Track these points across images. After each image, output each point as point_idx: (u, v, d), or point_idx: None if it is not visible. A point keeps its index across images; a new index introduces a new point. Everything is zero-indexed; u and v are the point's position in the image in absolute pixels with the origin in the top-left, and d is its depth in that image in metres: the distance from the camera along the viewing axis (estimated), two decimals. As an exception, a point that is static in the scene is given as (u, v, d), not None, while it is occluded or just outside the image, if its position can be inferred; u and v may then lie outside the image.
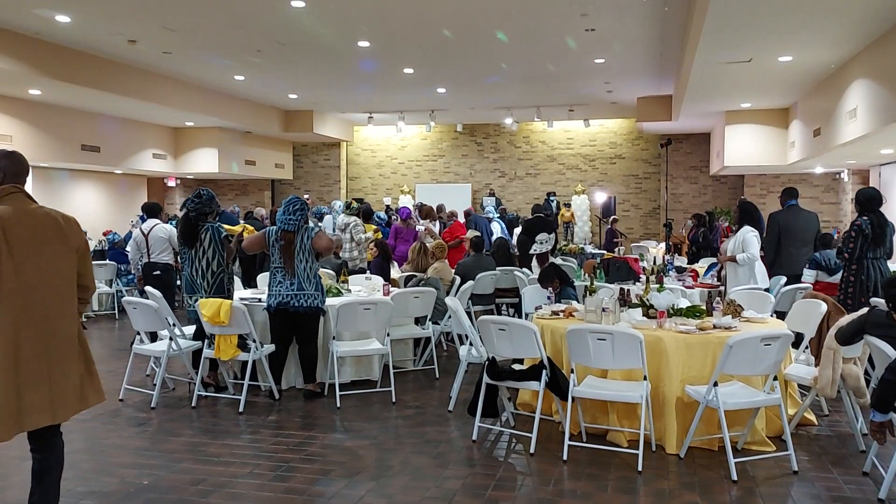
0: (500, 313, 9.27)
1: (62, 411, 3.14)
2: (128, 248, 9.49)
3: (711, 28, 7.26)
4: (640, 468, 4.37)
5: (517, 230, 13.00)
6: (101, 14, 8.79)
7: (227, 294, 6.14)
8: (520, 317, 7.49)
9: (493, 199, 17.28)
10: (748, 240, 7.08)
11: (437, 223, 10.88)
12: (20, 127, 11.78)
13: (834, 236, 9.40)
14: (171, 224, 8.91)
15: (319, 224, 11.28)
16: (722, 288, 7.46)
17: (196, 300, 6.03)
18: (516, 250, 11.08)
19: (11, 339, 3.00)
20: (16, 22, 9.03)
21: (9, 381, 2.98)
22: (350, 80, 12.84)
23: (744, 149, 13.69)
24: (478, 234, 10.68)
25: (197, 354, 6.13)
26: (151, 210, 8.40)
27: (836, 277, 7.04)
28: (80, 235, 3.30)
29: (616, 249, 11.87)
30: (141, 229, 8.16)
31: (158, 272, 7.82)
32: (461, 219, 12.77)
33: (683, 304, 5.44)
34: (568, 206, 17.46)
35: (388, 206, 15.64)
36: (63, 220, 3.24)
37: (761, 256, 7.33)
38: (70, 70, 10.42)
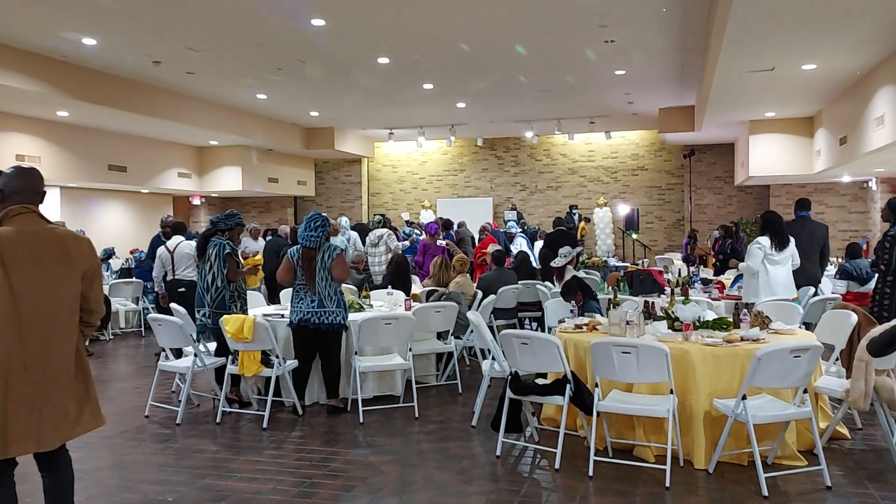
0: (522, 327, 9.21)
1: (49, 439, 3.01)
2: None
3: (733, 37, 7.20)
4: (667, 484, 4.29)
5: (538, 244, 12.96)
6: (127, 36, 8.95)
7: (230, 310, 6.11)
8: (543, 330, 7.43)
9: (515, 212, 17.24)
10: (750, 251, 7.01)
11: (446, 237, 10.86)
12: (49, 148, 12.00)
13: (863, 246, 9.23)
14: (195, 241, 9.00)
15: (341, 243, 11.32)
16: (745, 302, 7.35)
17: (204, 314, 6.09)
18: (538, 263, 11.03)
19: (4, 362, 2.90)
20: (44, 45, 9.23)
21: None
22: (370, 96, 12.92)
23: (768, 158, 13.54)
24: (499, 247, 10.64)
25: (221, 370, 6.15)
26: (177, 228, 8.50)
27: (868, 287, 6.90)
28: (89, 258, 3.17)
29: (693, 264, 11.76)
30: (167, 246, 8.23)
31: (183, 289, 7.88)
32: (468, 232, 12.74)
33: (709, 316, 5.36)
34: (587, 220, 17.35)
35: (407, 221, 15.67)
36: (73, 241, 3.12)
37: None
38: (97, 91, 10.61)
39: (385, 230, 10.12)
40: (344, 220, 11.20)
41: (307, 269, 5.96)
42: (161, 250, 8.29)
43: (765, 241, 6.81)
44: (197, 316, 6.23)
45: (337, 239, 11.25)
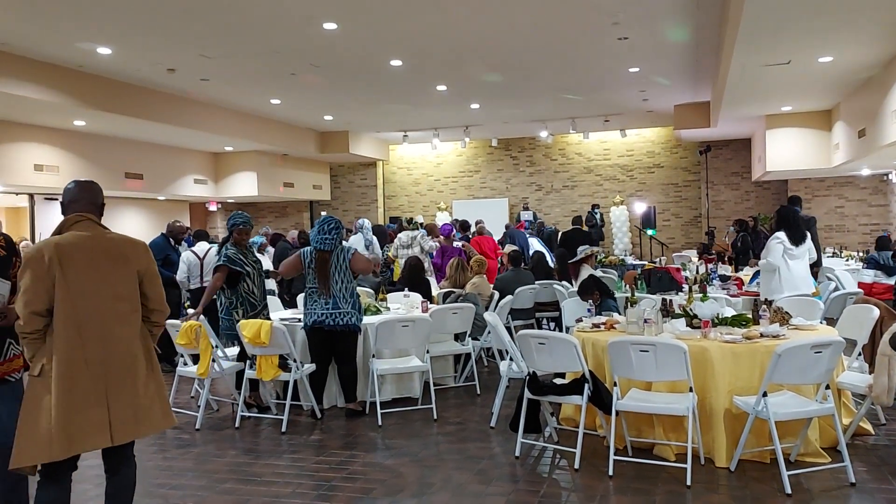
0: (540, 327, 9.17)
1: (119, 434, 3.16)
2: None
3: (747, 30, 7.14)
4: (688, 482, 4.25)
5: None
6: (141, 45, 9.03)
7: (229, 319, 6.13)
8: (560, 330, 7.40)
9: (530, 212, 17.19)
10: (769, 247, 6.93)
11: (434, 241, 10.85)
12: (66, 157, 12.14)
13: (887, 237, 9.15)
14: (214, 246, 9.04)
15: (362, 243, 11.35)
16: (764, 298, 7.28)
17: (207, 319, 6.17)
18: (555, 263, 10.99)
19: (65, 360, 3.06)
20: (60, 56, 9.34)
21: (62, 402, 3.03)
22: (384, 99, 12.95)
23: (786, 153, 13.40)
24: (516, 248, 10.61)
25: (240, 375, 6.18)
26: (199, 234, 8.56)
27: (894, 279, 6.82)
28: (145, 259, 3.36)
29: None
30: (195, 252, 8.21)
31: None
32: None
33: (728, 313, 5.31)
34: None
35: (420, 224, 15.70)
36: (128, 244, 3.33)
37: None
38: (112, 100, 10.71)
39: (419, 231, 10.21)
40: (366, 223, 11.26)
41: (321, 273, 5.96)
42: (189, 255, 8.23)
43: (783, 235, 6.73)
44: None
45: (357, 238, 11.29)
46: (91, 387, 3.11)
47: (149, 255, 3.40)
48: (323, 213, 6.51)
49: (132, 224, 15.56)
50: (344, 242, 6.42)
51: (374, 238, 11.15)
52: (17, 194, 13.03)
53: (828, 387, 4.37)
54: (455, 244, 10.94)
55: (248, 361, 6.03)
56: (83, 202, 3.31)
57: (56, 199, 13.16)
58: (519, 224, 14.62)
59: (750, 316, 5.20)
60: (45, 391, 3.06)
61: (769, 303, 5.37)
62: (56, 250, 3.11)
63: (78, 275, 3.13)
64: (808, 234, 6.86)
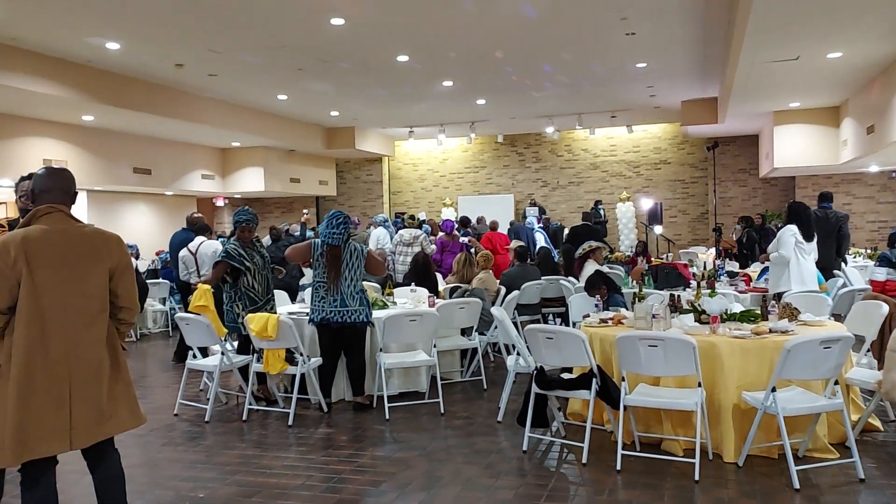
0: (546, 323, 9.17)
1: (80, 438, 3.00)
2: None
3: (756, 26, 7.11)
4: (696, 477, 4.25)
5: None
6: (150, 40, 9.05)
7: (231, 312, 6.21)
8: (567, 326, 7.40)
9: (536, 208, 17.19)
10: (782, 240, 6.92)
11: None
12: (75, 152, 12.18)
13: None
14: (220, 241, 9.05)
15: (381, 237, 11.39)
16: (773, 294, 7.27)
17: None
18: (561, 259, 10.99)
19: (25, 363, 2.91)
20: (69, 51, 9.36)
21: (18, 407, 2.89)
22: (390, 94, 12.95)
23: (794, 149, 13.36)
24: (521, 243, 10.62)
25: (244, 369, 6.21)
26: (199, 228, 8.52)
27: None
28: (118, 254, 3.18)
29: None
30: (189, 248, 8.27)
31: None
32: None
33: (737, 308, 5.30)
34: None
35: (422, 222, 15.73)
36: (100, 239, 3.14)
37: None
38: (121, 95, 10.74)
39: (422, 231, 10.23)
40: (383, 217, 11.32)
41: (332, 268, 5.97)
42: (184, 252, 8.29)
43: (795, 228, 6.75)
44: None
45: (380, 231, 11.30)
46: (52, 389, 2.94)
47: (121, 249, 3.21)
48: (333, 209, 6.50)
49: (141, 219, 15.60)
50: (376, 232, 6.41)
51: (382, 231, 11.19)
52: (25, 189, 13.06)
53: (836, 383, 4.37)
54: (462, 240, 10.96)
55: (255, 355, 6.07)
56: (56, 192, 3.10)
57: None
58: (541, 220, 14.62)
59: (759, 312, 5.20)
60: (2, 392, 2.91)
61: (778, 298, 5.36)
62: (23, 245, 2.93)
63: (45, 271, 2.95)
64: (817, 234, 6.90)
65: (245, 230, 6.27)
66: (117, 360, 3.18)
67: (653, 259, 11.39)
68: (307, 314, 6.42)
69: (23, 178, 3.60)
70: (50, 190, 3.10)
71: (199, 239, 8.32)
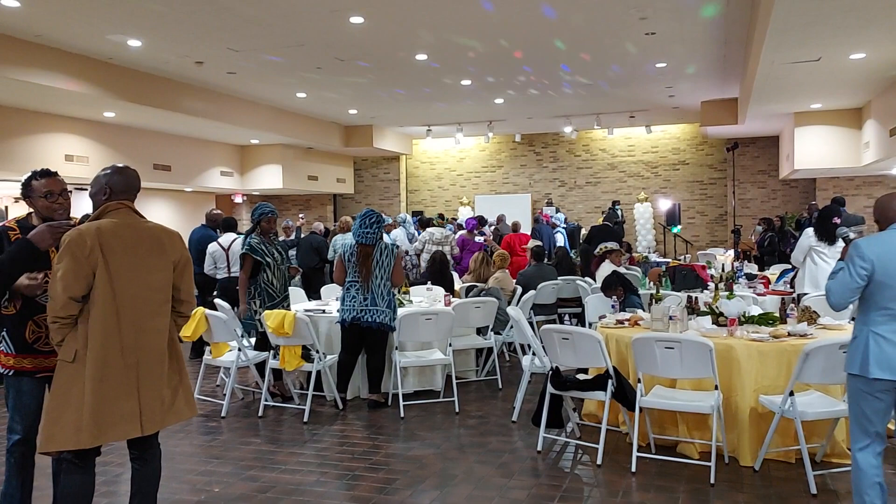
0: (562, 323, 9.15)
1: (149, 424, 3.15)
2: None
3: (777, 26, 7.04)
4: (712, 481, 4.23)
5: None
6: (170, 38, 9.13)
7: (249, 308, 6.21)
8: (583, 326, 7.37)
9: (553, 208, 17.14)
10: (798, 242, 6.92)
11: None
12: (96, 148, 12.31)
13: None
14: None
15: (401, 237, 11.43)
16: (795, 294, 7.21)
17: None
18: (578, 259, 10.96)
19: (101, 347, 3.04)
20: (91, 48, 9.46)
21: (96, 390, 3.02)
22: (409, 93, 12.97)
23: (815, 151, 13.20)
24: (539, 243, 10.60)
25: (261, 365, 6.24)
26: (227, 224, 8.57)
27: None
28: (180, 250, 3.33)
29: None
30: (220, 243, 8.29)
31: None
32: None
33: (755, 311, 5.26)
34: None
35: (450, 220, 15.76)
36: (165, 234, 3.29)
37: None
38: (142, 92, 10.84)
39: (450, 232, 10.34)
40: (407, 217, 11.37)
41: (363, 266, 5.98)
42: (214, 247, 8.29)
43: (811, 231, 6.70)
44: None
45: (399, 231, 11.35)
46: (124, 376, 3.09)
47: (184, 246, 3.37)
48: (366, 208, 6.51)
49: (160, 215, 15.75)
50: (387, 238, 6.44)
51: (401, 231, 11.23)
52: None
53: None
54: (477, 239, 10.97)
55: (271, 351, 6.10)
56: (131, 192, 3.27)
57: (85, 189, 13.33)
58: (544, 216, 14.61)
59: (777, 315, 5.15)
60: (78, 377, 3.03)
61: (797, 301, 5.31)
62: (98, 236, 3.06)
63: (118, 262, 3.10)
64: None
65: (271, 222, 6.32)
66: (176, 351, 3.33)
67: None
68: (323, 311, 6.46)
69: (36, 176, 3.47)
70: (126, 190, 3.26)
71: (230, 235, 8.33)
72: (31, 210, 3.49)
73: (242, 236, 6.59)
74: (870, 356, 3.24)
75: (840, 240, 6.73)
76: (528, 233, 13.08)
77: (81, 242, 3.02)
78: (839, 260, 3.46)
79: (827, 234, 6.65)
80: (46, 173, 3.47)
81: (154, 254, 3.22)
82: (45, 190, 3.42)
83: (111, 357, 3.07)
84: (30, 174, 3.48)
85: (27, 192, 3.46)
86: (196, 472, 4.63)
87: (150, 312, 3.19)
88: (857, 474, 3.33)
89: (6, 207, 12.75)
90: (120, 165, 3.34)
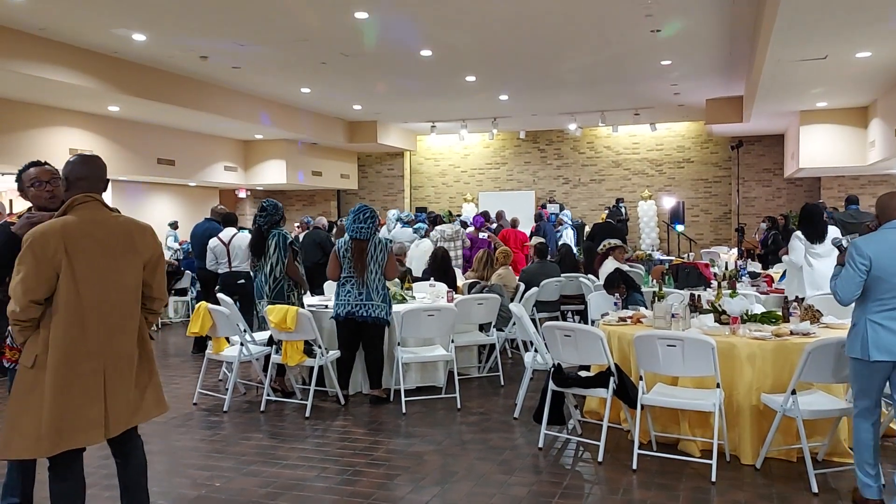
0: (564, 320, 9.14)
1: (115, 426, 3.02)
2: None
3: (784, 24, 7.02)
4: (713, 478, 4.22)
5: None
6: (175, 32, 9.13)
7: (288, 300, 6.20)
8: (585, 323, 7.37)
9: (557, 205, 17.11)
10: (791, 245, 6.86)
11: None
12: (100, 142, 12.32)
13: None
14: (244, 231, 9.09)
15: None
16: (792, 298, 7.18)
17: (263, 306, 6.17)
18: (581, 256, 10.95)
19: (63, 354, 2.89)
20: (96, 42, 9.47)
21: (56, 399, 2.88)
22: (413, 89, 12.95)
23: (820, 150, 13.17)
24: (542, 240, 10.59)
25: (268, 359, 6.25)
26: (228, 219, 8.57)
27: None
28: (152, 246, 3.17)
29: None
30: (220, 238, 8.30)
31: (243, 280, 7.92)
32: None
33: (758, 310, 5.24)
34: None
35: (458, 218, 15.76)
36: (136, 230, 3.12)
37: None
38: (146, 87, 10.85)
39: (459, 227, 10.36)
40: (393, 213, 11.34)
41: (358, 261, 5.99)
42: (214, 242, 8.28)
43: (801, 234, 6.67)
44: (258, 307, 6.34)
45: (385, 230, 11.37)
46: (90, 381, 2.94)
47: (156, 242, 3.21)
48: (359, 203, 6.53)
49: (163, 209, 15.76)
50: (381, 233, 6.43)
51: (403, 229, 11.21)
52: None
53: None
54: (481, 235, 10.97)
55: (273, 346, 6.11)
56: (92, 180, 3.07)
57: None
58: (545, 213, 14.61)
59: (780, 313, 5.14)
60: (38, 383, 2.88)
61: (800, 301, 5.29)
62: (63, 236, 2.88)
63: (85, 263, 2.92)
64: (831, 233, 6.77)
65: (284, 220, 6.43)
66: (145, 350, 3.18)
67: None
68: (326, 307, 6.46)
69: (26, 167, 3.48)
70: (87, 178, 3.06)
71: (230, 230, 8.34)
72: (31, 204, 3.51)
73: (255, 235, 6.46)
74: (868, 341, 3.68)
75: (831, 239, 6.72)
76: (531, 230, 13.06)
77: (44, 243, 2.85)
78: (836, 265, 3.92)
79: (817, 234, 6.61)
80: (34, 164, 3.47)
81: (125, 253, 3.05)
82: (32, 179, 3.41)
83: (74, 364, 2.91)
84: (21, 168, 3.51)
85: (20, 186, 3.47)
86: (197, 467, 4.64)
87: (119, 315, 3.03)
88: (857, 441, 3.79)
89: (10, 201, 12.77)
90: (85, 155, 3.16)
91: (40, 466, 3.57)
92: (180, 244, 13.24)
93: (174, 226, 15.01)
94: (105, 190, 3.17)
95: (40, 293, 2.86)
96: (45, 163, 3.51)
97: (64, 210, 3.00)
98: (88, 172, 3.08)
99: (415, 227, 10.90)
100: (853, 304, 5.81)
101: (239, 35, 9.28)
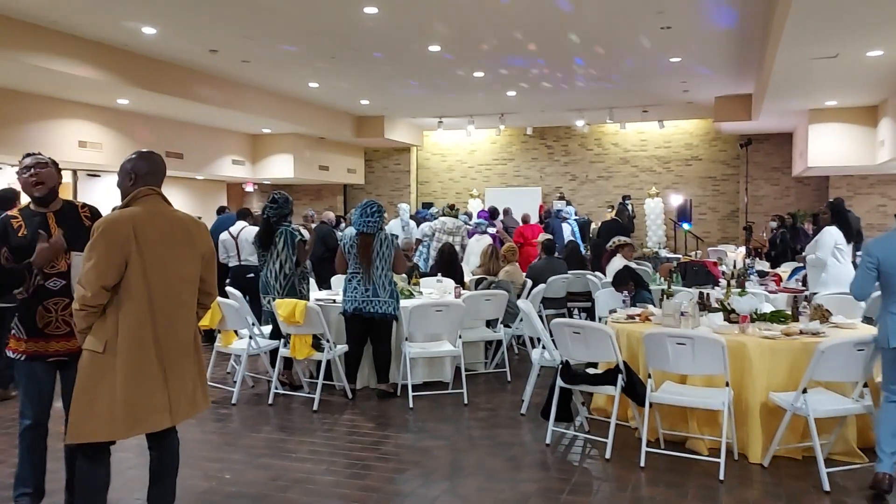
0: (571, 317, 9.14)
1: (178, 414, 3.13)
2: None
3: (795, 22, 6.98)
4: (721, 477, 4.23)
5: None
6: (185, 26, 9.14)
7: (300, 295, 6.23)
8: (592, 321, 7.37)
9: (563, 202, 17.09)
10: (821, 241, 6.81)
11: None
12: (109, 135, 12.36)
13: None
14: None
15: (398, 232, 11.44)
16: (806, 293, 7.17)
17: (270, 301, 6.19)
18: (588, 253, 10.95)
19: (135, 339, 3.00)
20: (106, 34, 9.49)
21: (130, 382, 2.98)
22: (421, 84, 12.94)
23: (829, 149, 13.11)
24: (549, 236, 10.59)
25: (275, 353, 6.27)
26: (241, 213, 8.63)
27: None
28: (207, 241, 3.28)
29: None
30: (230, 231, 8.33)
31: (252, 274, 7.92)
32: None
33: (767, 308, 5.24)
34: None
35: (462, 212, 15.76)
36: (193, 224, 3.24)
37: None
38: (155, 79, 10.86)
39: (462, 222, 10.35)
40: (404, 207, 11.35)
41: (364, 256, 6.00)
42: (224, 236, 8.29)
43: (835, 230, 6.64)
44: (263, 302, 6.35)
45: (395, 222, 11.37)
46: (157, 366, 3.05)
47: (210, 238, 3.34)
48: (366, 198, 6.55)
49: (172, 202, 15.77)
50: (392, 223, 6.45)
51: (411, 221, 11.23)
52: (61, 170, 13.30)
53: (866, 385, 4.32)
54: (489, 230, 10.98)
55: (282, 340, 6.13)
56: (157, 175, 3.22)
57: (98, 176, 13.42)
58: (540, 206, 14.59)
59: (789, 312, 5.13)
60: (109, 368, 2.98)
61: (809, 299, 5.29)
62: (132, 224, 3.01)
63: (152, 252, 3.04)
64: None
65: (292, 213, 6.46)
66: (197, 343, 3.29)
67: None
68: (334, 301, 6.47)
69: (26, 156, 3.52)
70: (154, 173, 3.21)
71: (240, 223, 8.37)
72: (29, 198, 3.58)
73: (261, 228, 6.47)
74: (889, 331, 4.03)
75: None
76: (540, 225, 13.07)
77: (116, 230, 2.98)
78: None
79: (851, 232, 6.64)
80: (27, 156, 3.53)
81: (186, 245, 3.17)
82: (21, 168, 3.50)
83: (144, 348, 3.02)
84: (26, 154, 3.57)
85: (18, 179, 3.55)
86: (207, 459, 4.67)
87: (179, 304, 3.15)
88: (884, 422, 4.04)
89: (19, 193, 12.82)
90: (147, 151, 3.29)
91: (51, 458, 3.61)
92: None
93: None
94: (161, 185, 3.28)
95: (111, 278, 2.95)
96: (36, 153, 3.56)
97: (128, 202, 3.12)
98: (152, 168, 3.22)
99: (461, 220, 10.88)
100: (861, 303, 5.82)
101: (249, 29, 9.28)
